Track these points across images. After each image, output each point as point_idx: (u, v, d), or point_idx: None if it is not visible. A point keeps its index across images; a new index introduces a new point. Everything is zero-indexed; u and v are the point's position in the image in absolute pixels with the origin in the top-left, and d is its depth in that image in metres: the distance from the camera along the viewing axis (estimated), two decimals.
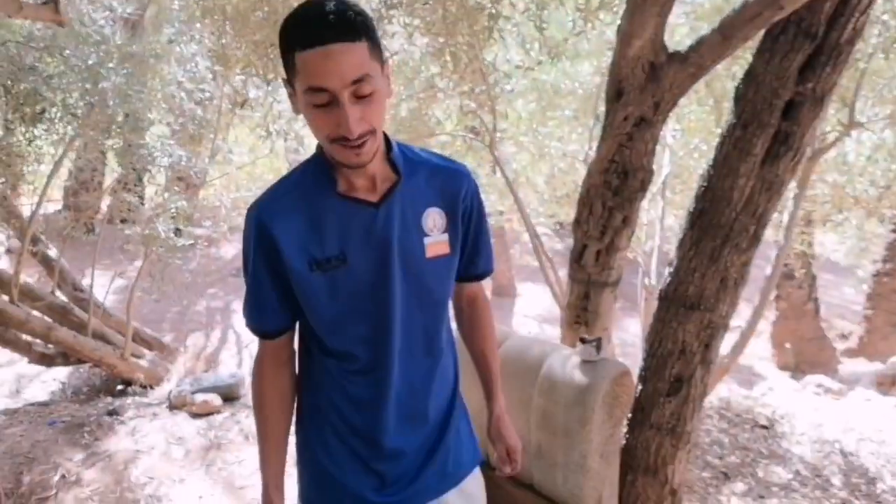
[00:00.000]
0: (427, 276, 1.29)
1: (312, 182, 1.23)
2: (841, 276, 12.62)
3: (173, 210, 5.38)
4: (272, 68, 3.28)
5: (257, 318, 1.31)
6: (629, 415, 2.82)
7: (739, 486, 3.57)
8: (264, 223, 1.21)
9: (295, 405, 1.41)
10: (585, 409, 2.55)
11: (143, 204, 6.15)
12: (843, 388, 5.75)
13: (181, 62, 5.67)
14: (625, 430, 2.83)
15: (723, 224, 2.56)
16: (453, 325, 1.49)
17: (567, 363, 2.65)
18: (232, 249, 12.33)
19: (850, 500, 3.55)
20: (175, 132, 5.71)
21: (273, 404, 1.36)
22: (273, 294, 1.26)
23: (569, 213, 5.66)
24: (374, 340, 1.28)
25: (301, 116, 1.21)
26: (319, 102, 1.09)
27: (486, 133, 4.19)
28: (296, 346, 1.40)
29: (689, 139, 4.47)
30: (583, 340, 2.67)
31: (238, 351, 8.71)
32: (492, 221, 5.79)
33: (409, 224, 1.26)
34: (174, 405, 4.11)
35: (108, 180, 8.87)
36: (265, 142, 5.15)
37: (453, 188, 1.31)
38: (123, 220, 5.96)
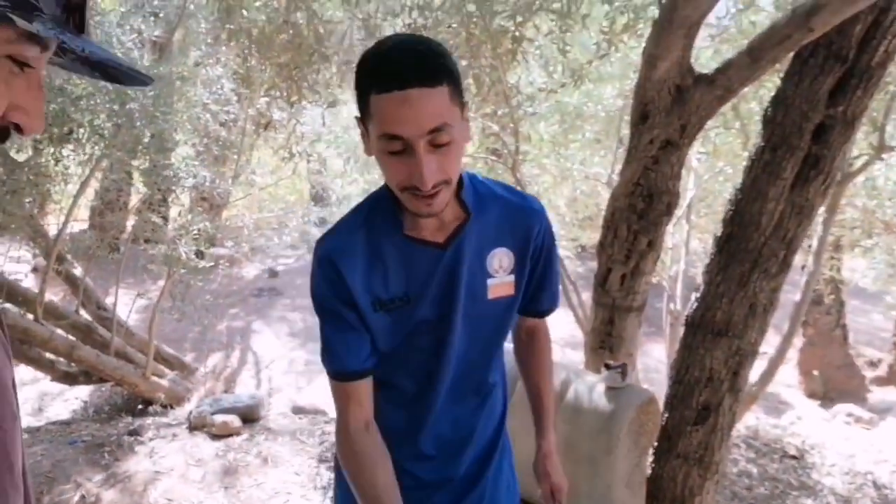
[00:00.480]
0: (487, 317, 1.26)
1: (379, 221, 1.19)
2: (869, 303, 12.35)
3: (196, 231, 5.41)
4: (296, 90, 3.30)
5: (343, 357, 1.21)
6: (655, 443, 2.75)
7: None
8: (333, 261, 1.17)
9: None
10: (610, 436, 2.50)
11: (166, 224, 6.21)
12: (874, 418, 5.60)
13: (207, 84, 5.74)
14: (650, 459, 2.76)
15: (751, 249, 2.51)
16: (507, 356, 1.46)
17: (592, 390, 2.60)
18: (253, 270, 12.40)
19: None
20: (200, 153, 5.77)
21: (381, 464, 1.21)
22: (356, 328, 1.20)
23: (591, 237, 5.61)
24: (424, 376, 1.27)
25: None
26: (393, 150, 1.03)
27: (509, 155, 4.17)
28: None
29: (714, 162, 4.42)
30: (607, 366, 2.62)
31: (257, 372, 8.71)
32: None
33: (474, 264, 1.22)
34: (194, 426, 4.09)
35: (134, 200, 9.00)
36: (288, 163, 5.17)
37: (525, 227, 1.25)
38: (147, 240, 6.01)
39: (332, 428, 4.28)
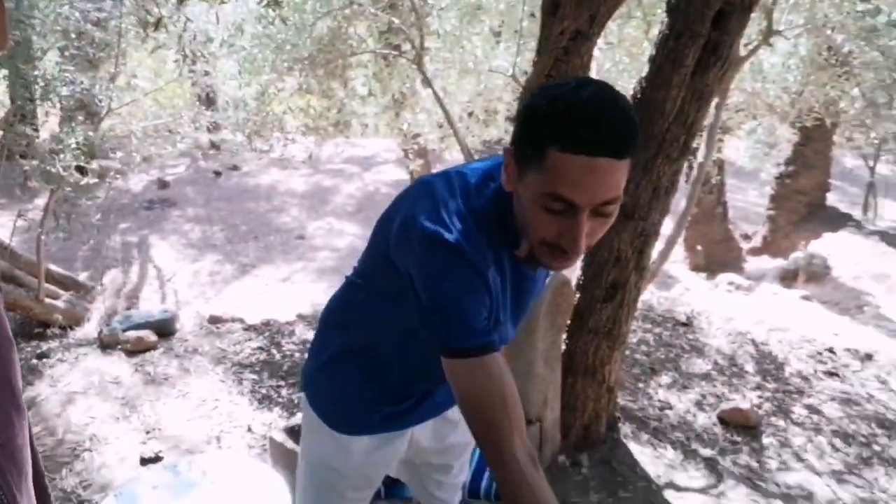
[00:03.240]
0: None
1: (499, 239, 1.10)
2: (745, 180, 13.30)
3: (74, 145, 5.02)
4: None
5: (483, 330, 1.03)
6: (569, 321, 2.95)
7: (665, 379, 3.84)
8: (485, 274, 1.05)
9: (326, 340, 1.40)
10: (530, 319, 2.66)
11: (38, 136, 5.72)
12: (751, 285, 6.19)
13: None
14: (565, 336, 2.97)
15: (656, 134, 2.65)
16: None
17: None
18: (140, 181, 11.74)
19: (763, 384, 3.90)
20: (74, 57, 5.28)
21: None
22: (489, 295, 1.08)
23: (494, 133, 5.67)
24: None
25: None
26: (554, 209, 0.96)
27: (414, 50, 4.09)
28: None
29: (614, 53, 4.52)
30: None
31: (159, 287, 8.45)
32: (421, 141, 5.75)
33: (542, 283, 1.28)
34: (106, 344, 3.99)
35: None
36: (181, 66, 4.83)
37: None
38: (23, 156, 5.55)
39: (251, 335, 4.29)
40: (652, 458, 3.09)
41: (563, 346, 2.98)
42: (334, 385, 1.39)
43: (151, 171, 11.75)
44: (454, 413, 1.46)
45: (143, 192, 11.56)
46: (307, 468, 1.48)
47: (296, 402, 3.41)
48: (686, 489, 2.90)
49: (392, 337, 1.28)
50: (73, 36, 5.09)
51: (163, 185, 11.59)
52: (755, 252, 9.35)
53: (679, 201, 4.28)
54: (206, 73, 6.67)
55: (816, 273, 8.40)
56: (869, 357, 4.32)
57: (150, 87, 6.46)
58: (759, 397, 3.74)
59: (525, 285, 1.20)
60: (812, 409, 3.68)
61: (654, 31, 2.66)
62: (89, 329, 5.36)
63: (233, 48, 4.50)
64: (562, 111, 0.92)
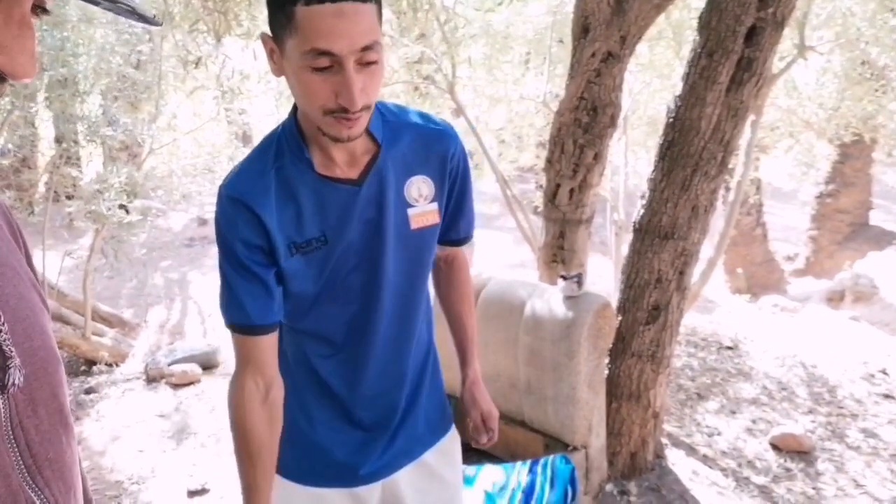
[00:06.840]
0: (414, 249, 1.23)
1: (288, 159, 1.13)
2: (783, 201, 13.07)
3: (121, 183, 5.17)
4: (223, 24, 3.15)
5: (247, 308, 1.15)
6: (611, 345, 2.90)
7: (712, 405, 3.74)
8: (247, 203, 1.10)
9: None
10: (572, 342, 2.63)
11: (83, 178, 5.92)
12: (797, 307, 6.04)
13: (113, 24, 5.40)
14: (607, 360, 2.92)
15: (692, 153, 2.63)
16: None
17: (550, 301, 2.71)
18: (180, 220, 12.03)
19: (816, 407, 3.77)
20: (116, 99, 5.47)
21: (264, 433, 1.19)
22: (264, 279, 1.15)
23: (526, 158, 5.69)
24: (359, 321, 1.22)
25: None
26: (320, 66, 0.98)
27: (445, 79, 4.14)
28: None
29: (645, 74, 4.51)
30: (563, 277, 2.73)
31: (202, 321, 8.58)
32: None
33: (393, 197, 1.17)
34: (151, 378, 4.05)
35: (41, 156, 8.52)
36: (220, 103, 4.96)
37: (440, 152, 1.22)
38: (69, 197, 5.74)
39: None
40: (703, 486, 2.99)
41: (606, 371, 2.93)
42: (291, 431, 1.28)
43: (191, 210, 12.04)
44: (434, 459, 1.36)
45: (183, 231, 11.83)
46: None
47: None
48: None
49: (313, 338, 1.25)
50: (115, 78, 5.28)
51: (202, 222, 11.84)
52: (798, 273, 9.14)
53: (717, 222, 4.22)
54: (242, 112, 6.85)
55: (864, 293, 8.17)
56: None
57: (190, 127, 6.64)
58: (812, 422, 3.62)
59: (341, 200, 1.14)
60: (868, 433, 3.54)
61: (686, 51, 2.65)
62: (134, 365, 5.44)
63: (269, 84, 4.62)
64: None
